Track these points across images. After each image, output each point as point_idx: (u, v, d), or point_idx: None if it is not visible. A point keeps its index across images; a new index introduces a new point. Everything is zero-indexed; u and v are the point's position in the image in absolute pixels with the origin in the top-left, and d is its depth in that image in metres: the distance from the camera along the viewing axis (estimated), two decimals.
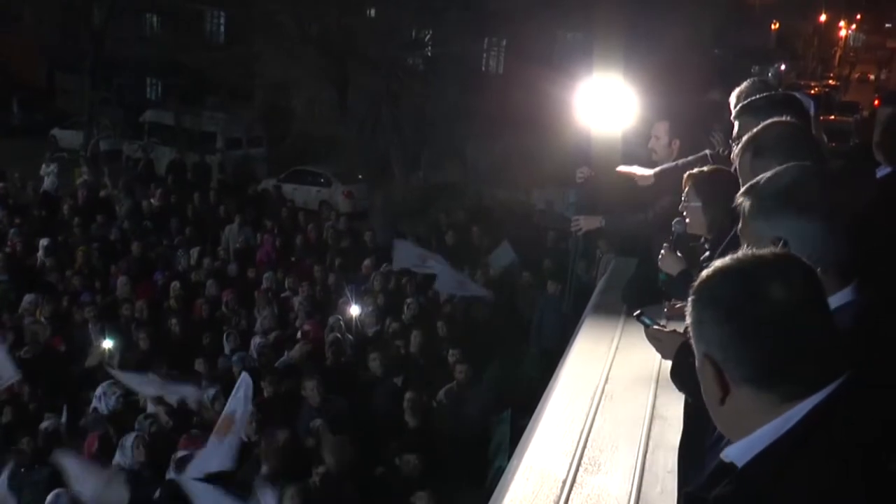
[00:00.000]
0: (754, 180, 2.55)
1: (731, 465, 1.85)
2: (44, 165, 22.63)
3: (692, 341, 1.91)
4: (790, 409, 1.76)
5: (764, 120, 3.33)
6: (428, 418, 9.57)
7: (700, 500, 1.88)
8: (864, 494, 1.67)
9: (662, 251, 4.51)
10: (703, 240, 4.49)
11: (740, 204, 2.53)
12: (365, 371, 10.67)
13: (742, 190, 2.58)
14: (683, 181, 4.50)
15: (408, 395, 9.48)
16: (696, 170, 4.54)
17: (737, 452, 1.84)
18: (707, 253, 4.18)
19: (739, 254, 1.89)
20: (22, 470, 9.09)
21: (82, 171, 22.92)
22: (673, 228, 4.61)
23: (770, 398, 1.78)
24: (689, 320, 1.91)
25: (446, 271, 13.58)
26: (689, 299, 1.90)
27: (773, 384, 1.78)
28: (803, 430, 1.74)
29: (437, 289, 13.63)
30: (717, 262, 1.90)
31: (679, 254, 4.52)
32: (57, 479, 8.72)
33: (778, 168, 2.58)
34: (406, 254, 14.44)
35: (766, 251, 1.89)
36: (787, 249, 2.00)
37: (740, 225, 2.54)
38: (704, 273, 1.89)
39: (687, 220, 4.46)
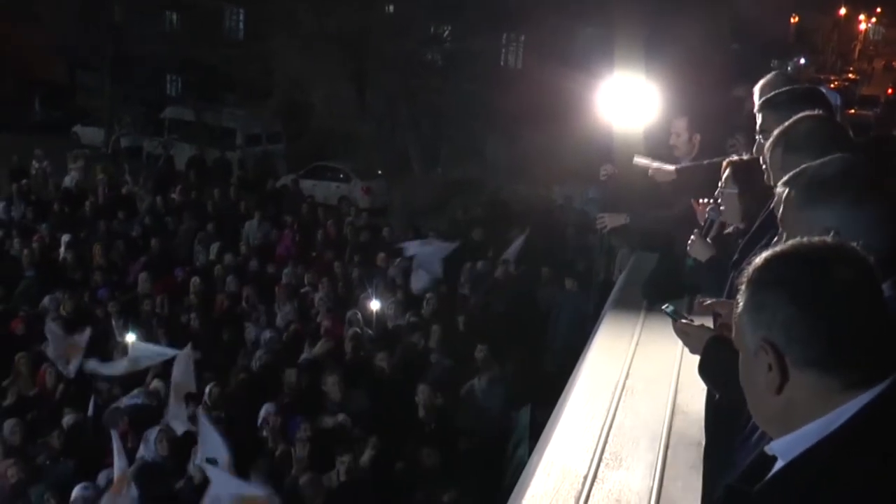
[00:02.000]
0: (798, 170, 2.54)
1: (773, 459, 1.84)
2: (70, 161, 22.77)
3: (744, 330, 1.87)
4: (845, 403, 1.74)
5: (786, 114, 3.33)
6: (442, 413, 9.58)
7: (743, 493, 1.86)
8: None
9: (693, 237, 4.46)
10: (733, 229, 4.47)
11: (782, 194, 2.52)
12: (381, 367, 10.70)
13: (784, 179, 2.57)
14: (722, 168, 4.47)
15: (421, 387, 9.48)
16: (735, 157, 4.50)
17: (783, 447, 1.81)
18: (741, 241, 4.15)
19: (792, 241, 1.88)
20: (48, 463, 9.17)
21: (101, 168, 22.99)
22: (706, 215, 4.58)
23: (832, 384, 1.75)
24: (742, 307, 1.87)
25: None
26: (746, 285, 1.87)
27: (838, 367, 1.75)
28: (853, 428, 1.72)
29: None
30: (770, 250, 1.87)
31: (709, 241, 4.49)
32: (82, 471, 8.82)
33: (824, 158, 2.57)
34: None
35: (816, 240, 1.87)
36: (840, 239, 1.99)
37: (782, 215, 2.53)
38: (760, 259, 1.86)
39: (722, 208, 4.44)
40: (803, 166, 2.55)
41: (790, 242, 1.88)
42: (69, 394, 10.86)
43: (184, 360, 10.24)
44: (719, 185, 4.45)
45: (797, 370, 1.78)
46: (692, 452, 4.63)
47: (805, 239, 1.87)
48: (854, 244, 1.86)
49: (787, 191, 2.51)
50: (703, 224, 4.60)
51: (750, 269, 1.87)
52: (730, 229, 4.53)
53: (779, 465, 1.84)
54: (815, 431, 1.76)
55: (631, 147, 7.40)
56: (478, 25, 26.11)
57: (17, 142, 25.87)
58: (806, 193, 2.45)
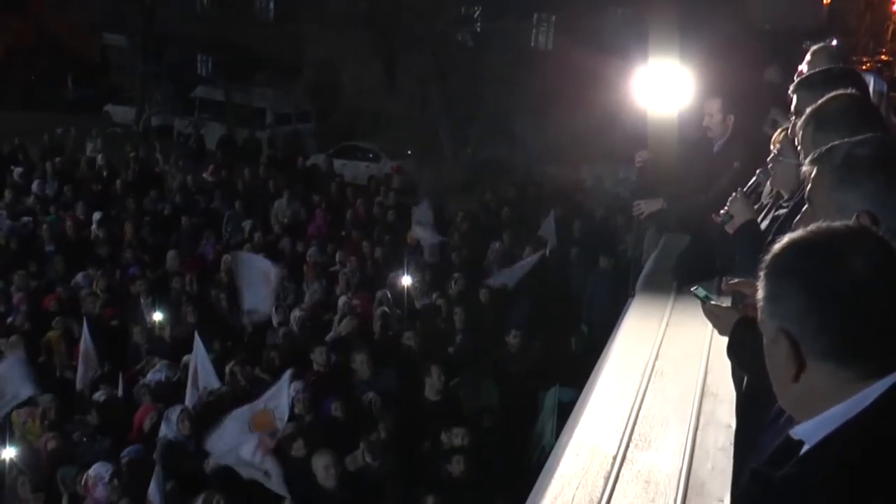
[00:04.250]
0: (828, 147, 2.48)
1: (798, 444, 1.82)
2: (88, 139, 22.96)
3: (763, 317, 1.86)
4: (865, 389, 1.72)
5: (821, 94, 3.28)
6: (454, 393, 9.59)
7: (767, 478, 1.85)
8: None
9: (735, 193, 4.26)
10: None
11: (811, 172, 2.47)
12: (408, 346, 10.72)
13: (813, 157, 2.52)
14: (779, 134, 4.38)
15: (433, 368, 9.51)
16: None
17: (807, 431, 1.80)
18: (783, 211, 4.07)
19: (812, 227, 1.84)
20: (84, 440, 9.28)
21: (130, 146, 23.18)
22: (756, 178, 4.48)
23: (847, 375, 1.74)
24: (760, 294, 1.86)
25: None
26: (763, 273, 1.85)
27: (853, 359, 1.73)
28: (878, 411, 1.70)
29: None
30: (789, 236, 1.85)
31: (754, 205, 4.38)
32: (117, 449, 8.91)
33: (858, 137, 2.51)
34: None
35: (839, 224, 1.84)
36: (873, 221, 1.95)
37: (810, 192, 2.49)
38: (778, 246, 1.84)
39: (772, 174, 4.36)
40: (834, 143, 2.49)
41: (809, 228, 1.84)
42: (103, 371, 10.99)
43: (197, 351, 10.17)
44: (774, 151, 4.37)
45: (812, 360, 1.77)
46: (722, 434, 4.61)
47: (825, 225, 1.84)
48: (877, 230, 1.84)
49: (816, 169, 2.46)
50: (750, 184, 4.49)
51: (768, 256, 1.86)
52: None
53: (804, 449, 1.83)
54: (838, 416, 1.74)
55: (666, 133, 7.37)
56: (508, 6, 26.00)
57: (51, 120, 26.10)
58: (838, 174, 2.40)
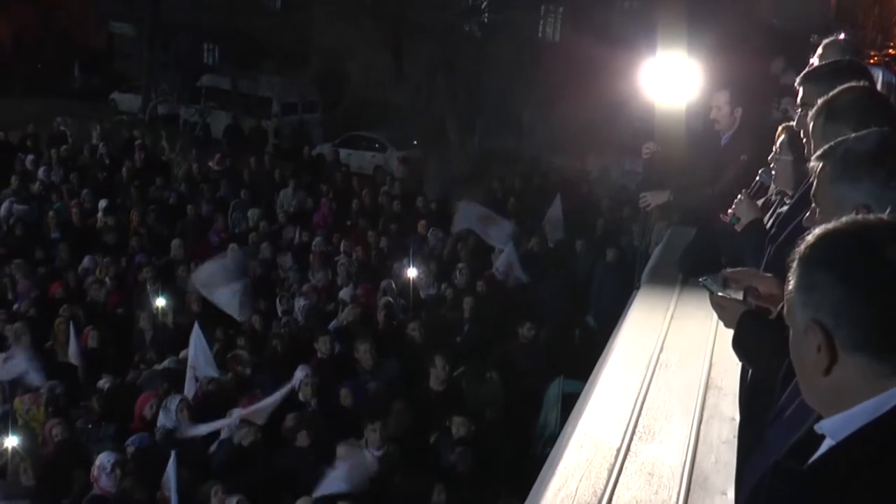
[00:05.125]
0: (833, 143, 2.47)
1: (820, 438, 1.81)
2: (92, 127, 22.98)
3: (794, 308, 1.84)
4: (893, 388, 1.70)
5: (827, 87, 3.27)
6: (457, 383, 9.59)
7: (792, 471, 1.84)
8: None
9: (741, 196, 4.36)
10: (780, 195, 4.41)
11: (816, 167, 2.47)
12: (412, 337, 10.72)
13: (818, 153, 2.51)
14: (777, 133, 4.41)
15: (437, 358, 9.51)
16: (791, 123, 4.43)
17: (833, 427, 1.78)
18: (786, 208, 4.09)
19: (844, 219, 1.82)
20: (90, 426, 9.30)
21: (137, 133, 23.18)
22: (758, 177, 4.52)
23: (881, 370, 1.71)
24: (792, 285, 1.84)
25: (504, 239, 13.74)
26: (796, 263, 1.83)
27: (888, 353, 1.71)
28: None
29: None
30: (822, 227, 1.83)
31: (758, 204, 4.42)
32: (121, 435, 8.94)
33: (860, 133, 2.50)
34: (467, 214, 14.61)
35: (872, 217, 1.83)
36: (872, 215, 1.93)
37: (815, 188, 2.48)
38: (812, 237, 1.82)
39: (773, 173, 4.37)
40: (838, 139, 2.49)
41: (844, 219, 1.82)
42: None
43: (195, 340, 10.15)
44: (774, 149, 4.38)
45: (846, 353, 1.75)
46: (726, 427, 4.59)
47: (859, 217, 1.83)
48: None
49: (821, 164, 2.45)
50: (753, 185, 4.53)
51: (802, 247, 1.83)
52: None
53: (827, 443, 1.81)
54: (867, 412, 1.73)
55: (673, 125, 7.36)
56: None
57: (57, 107, 26.10)
58: (838, 168, 2.39)
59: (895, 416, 1.70)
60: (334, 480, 7.61)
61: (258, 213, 16.72)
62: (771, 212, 4.40)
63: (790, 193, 4.25)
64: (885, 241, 1.74)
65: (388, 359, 10.00)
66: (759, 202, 4.54)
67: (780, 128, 4.41)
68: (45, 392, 9.61)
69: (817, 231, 1.83)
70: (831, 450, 1.78)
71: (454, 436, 8.51)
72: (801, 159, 4.17)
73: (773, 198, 4.64)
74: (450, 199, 18.22)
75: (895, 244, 1.73)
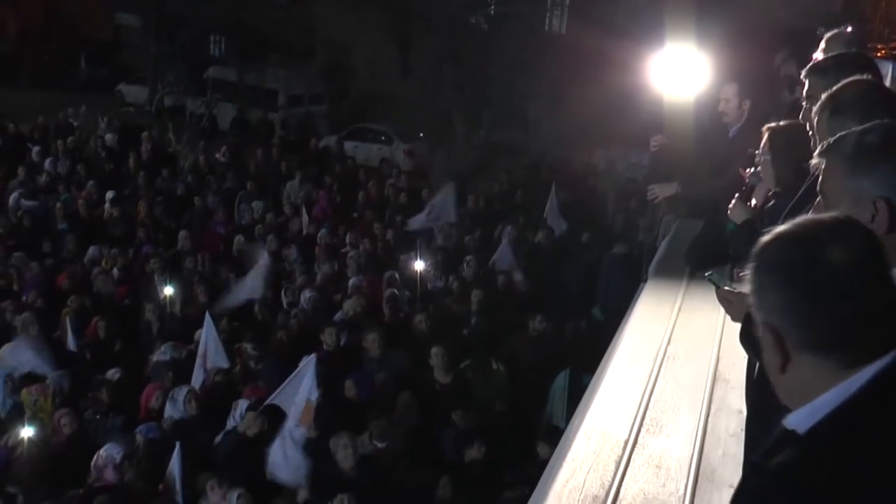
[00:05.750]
0: (836, 138, 2.46)
1: (793, 433, 1.83)
2: (101, 122, 23.01)
3: (753, 310, 1.89)
4: (851, 377, 1.74)
5: (832, 80, 3.27)
6: (462, 376, 9.59)
7: (762, 467, 1.87)
8: None
9: (734, 200, 4.48)
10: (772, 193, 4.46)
11: (820, 163, 2.46)
12: (419, 329, 10.72)
13: (821, 148, 2.50)
14: (762, 134, 4.46)
15: (434, 350, 9.49)
16: (773, 123, 4.48)
17: (799, 419, 1.81)
18: (772, 203, 4.15)
19: (799, 219, 1.88)
20: (98, 417, 9.33)
21: (145, 125, 23.20)
22: (748, 180, 4.59)
23: (831, 366, 1.76)
24: (750, 288, 1.89)
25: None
26: (750, 267, 1.88)
27: (834, 350, 1.76)
28: (866, 395, 1.72)
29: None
30: (777, 229, 1.87)
31: (749, 205, 4.50)
32: (129, 426, 8.95)
33: (865, 126, 2.49)
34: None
35: (825, 216, 1.87)
36: (889, 207, 1.94)
37: (822, 182, 2.48)
38: (762, 241, 1.87)
39: (761, 174, 4.43)
40: (842, 134, 2.48)
41: (795, 221, 1.87)
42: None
43: (207, 330, 10.16)
44: (759, 151, 4.44)
45: (796, 352, 1.80)
46: (733, 420, 4.61)
47: (812, 217, 1.88)
48: (859, 220, 1.87)
49: (826, 161, 2.45)
50: (744, 188, 4.61)
51: (755, 250, 1.88)
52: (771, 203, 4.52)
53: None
54: (830, 401, 1.76)
55: (682, 117, 7.36)
56: None
57: (64, 99, 26.12)
58: (849, 162, 2.38)
59: (851, 406, 1.73)
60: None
61: (262, 205, 16.74)
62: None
63: (777, 189, 4.31)
64: (826, 242, 1.79)
65: (396, 350, 10.00)
66: (751, 203, 4.61)
67: (763, 129, 4.47)
68: (51, 383, 9.62)
69: (767, 236, 1.87)
70: (797, 442, 1.82)
71: (461, 428, 8.52)
72: (778, 157, 4.24)
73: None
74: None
75: (839, 245, 1.78)
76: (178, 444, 7.89)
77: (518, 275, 12.69)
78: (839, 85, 3.14)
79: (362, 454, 8.05)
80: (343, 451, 7.84)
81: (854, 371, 1.74)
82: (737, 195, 4.53)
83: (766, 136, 4.38)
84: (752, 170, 4.67)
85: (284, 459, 8.10)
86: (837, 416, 1.74)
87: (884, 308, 1.77)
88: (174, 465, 7.79)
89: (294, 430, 8.24)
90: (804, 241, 1.81)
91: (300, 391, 8.51)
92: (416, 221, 15.42)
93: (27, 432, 8.61)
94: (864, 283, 1.76)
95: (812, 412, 1.78)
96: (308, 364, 8.71)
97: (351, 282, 12.57)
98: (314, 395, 8.46)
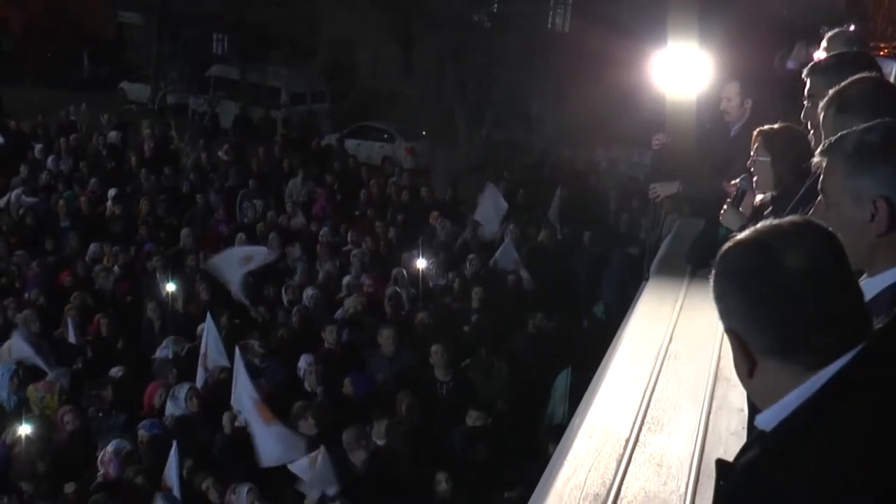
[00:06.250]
0: (837, 137, 2.46)
1: (762, 432, 1.86)
2: (103, 120, 23.03)
3: (719, 316, 1.90)
4: (813, 377, 1.75)
5: (833, 79, 3.27)
6: (464, 374, 9.59)
7: (728, 466, 1.90)
8: (892, 453, 1.64)
9: (725, 206, 4.51)
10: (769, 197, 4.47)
11: (822, 162, 2.45)
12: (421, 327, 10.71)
13: (824, 147, 2.49)
14: (753, 137, 4.47)
15: (434, 347, 9.48)
16: (766, 126, 4.49)
17: (766, 419, 1.83)
18: (770, 208, 4.16)
19: (759, 224, 1.88)
20: (100, 415, 9.34)
21: (147, 123, 23.21)
22: (738, 185, 4.62)
23: (795, 369, 1.77)
24: (713, 295, 1.89)
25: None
26: (712, 274, 1.89)
27: (795, 354, 1.76)
28: (828, 392, 1.73)
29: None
30: (737, 236, 1.88)
31: (741, 210, 4.53)
32: (132, 423, 8.96)
33: (867, 125, 2.48)
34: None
35: (785, 220, 1.87)
36: (889, 206, 1.94)
37: (823, 180, 2.47)
38: (724, 247, 1.88)
39: (754, 177, 4.44)
40: (843, 133, 2.47)
41: (755, 227, 1.88)
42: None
43: (207, 329, 10.16)
44: (751, 154, 4.45)
45: (759, 357, 1.82)
46: (734, 419, 4.60)
47: (770, 223, 1.88)
48: (819, 223, 1.87)
49: (827, 160, 2.44)
50: (735, 194, 4.64)
51: (716, 257, 1.89)
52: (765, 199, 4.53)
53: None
54: (794, 400, 1.77)
55: (684, 116, 7.35)
56: None
57: (67, 97, 26.14)
58: (850, 161, 2.37)
59: (813, 404, 1.74)
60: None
61: (263, 203, 16.73)
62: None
63: (774, 193, 4.31)
64: (783, 246, 1.79)
65: (405, 348, 10.00)
66: (742, 208, 4.63)
67: (755, 132, 4.48)
68: (57, 380, 9.65)
69: (727, 243, 1.88)
70: (760, 441, 1.85)
71: (463, 426, 8.52)
72: (777, 158, 4.24)
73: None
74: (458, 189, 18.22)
75: (794, 249, 1.78)
76: (174, 442, 7.90)
77: (524, 273, 12.67)
78: (845, 82, 3.14)
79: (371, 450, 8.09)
80: (356, 447, 7.87)
81: (815, 372, 1.75)
82: (728, 201, 4.58)
83: (760, 139, 4.40)
84: (741, 178, 4.68)
85: (275, 441, 8.15)
86: (799, 414, 1.75)
87: (844, 311, 1.78)
88: (171, 462, 7.80)
89: (266, 426, 8.29)
90: (762, 246, 1.81)
91: (245, 393, 8.61)
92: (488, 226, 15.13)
93: (24, 430, 8.62)
94: (822, 286, 1.77)
95: (778, 412, 1.80)
96: (238, 364, 8.81)
97: (346, 280, 12.57)
98: (254, 395, 8.51)
